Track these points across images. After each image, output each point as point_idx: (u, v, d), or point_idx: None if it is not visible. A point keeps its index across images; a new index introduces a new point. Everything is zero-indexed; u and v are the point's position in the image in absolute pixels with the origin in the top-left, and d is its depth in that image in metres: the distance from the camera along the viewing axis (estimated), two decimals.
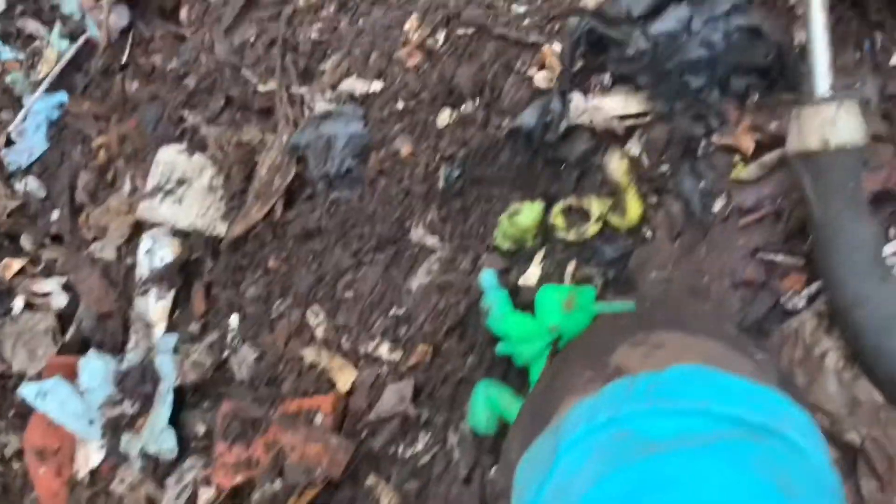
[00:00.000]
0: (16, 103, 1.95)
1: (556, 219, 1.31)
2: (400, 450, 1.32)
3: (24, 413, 1.67)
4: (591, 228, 1.30)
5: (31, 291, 1.79)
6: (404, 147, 1.40)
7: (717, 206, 1.27)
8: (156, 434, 1.48)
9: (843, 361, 1.16)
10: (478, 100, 1.33)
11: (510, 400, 1.19)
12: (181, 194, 1.60)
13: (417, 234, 1.40)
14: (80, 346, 1.69)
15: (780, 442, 0.64)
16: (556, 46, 1.25)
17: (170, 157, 1.64)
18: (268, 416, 1.37)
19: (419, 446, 1.31)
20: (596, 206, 1.29)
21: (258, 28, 1.67)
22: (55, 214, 1.86)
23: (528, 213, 1.30)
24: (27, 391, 1.58)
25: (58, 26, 1.96)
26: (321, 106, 1.50)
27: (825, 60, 1.11)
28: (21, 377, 1.70)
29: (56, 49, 1.93)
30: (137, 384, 1.55)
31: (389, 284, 1.40)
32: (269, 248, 1.52)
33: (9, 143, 1.92)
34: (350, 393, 1.37)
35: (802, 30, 1.20)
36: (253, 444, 1.35)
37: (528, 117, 1.26)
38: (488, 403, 1.21)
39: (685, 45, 1.19)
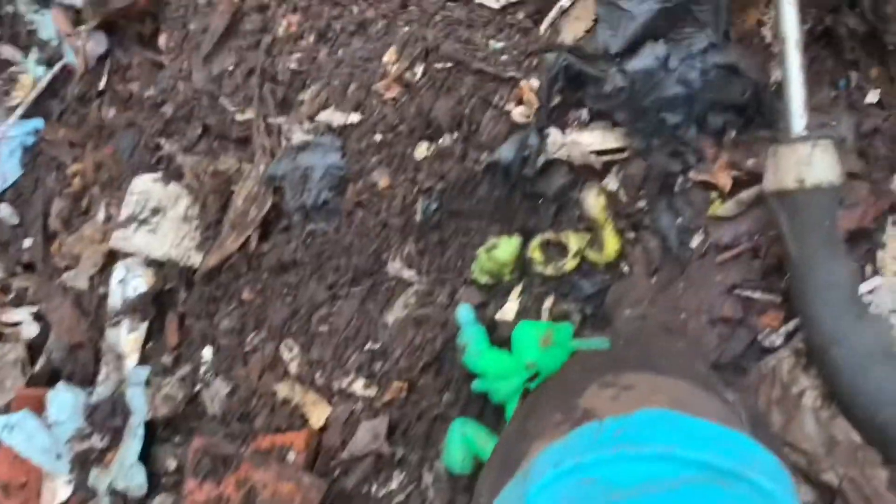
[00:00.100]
0: None
1: (534, 253, 1.30)
2: (374, 489, 1.30)
3: None
4: (569, 263, 1.29)
5: (0, 321, 1.75)
6: (382, 179, 1.39)
7: (695, 242, 1.27)
8: (125, 469, 1.45)
9: (820, 400, 1.15)
10: (456, 133, 1.32)
11: (486, 439, 1.18)
12: (156, 224, 1.58)
13: (394, 267, 1.39)
14: (50, 378, 1.66)
15: (748, 487, 0.63)
16: (534, 82, 1.25)
17: (145, 186, 1.62)
18: (240, 452, 1.34)
19: (393, 485, 1.29)
20: (573, 240, 1.28)
21: (237, 57, 1.66)
22: (27, 242, 1.83)
23: (505, 248, 1.30)
24: None
25: (34, 52, 1.94)
26: (299, 136, 1.48)
27: (801, 100, 1.11)
28: None
29: (32, 75, 1.91)
30: (107, 417, 1.52)
31: (365, 318, 1.38)
32: (243, 279, 1.50)
33: None
34: (323, 429, 1.35)
35: (779, 68, 1.21)
36: (224, 482, 1.32)
37: (506, 151, 1.26)
38: (464, 442, 1.20)
39: (662, 82, 1.20)
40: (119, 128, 1.79)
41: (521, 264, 1.33)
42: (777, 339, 1.21)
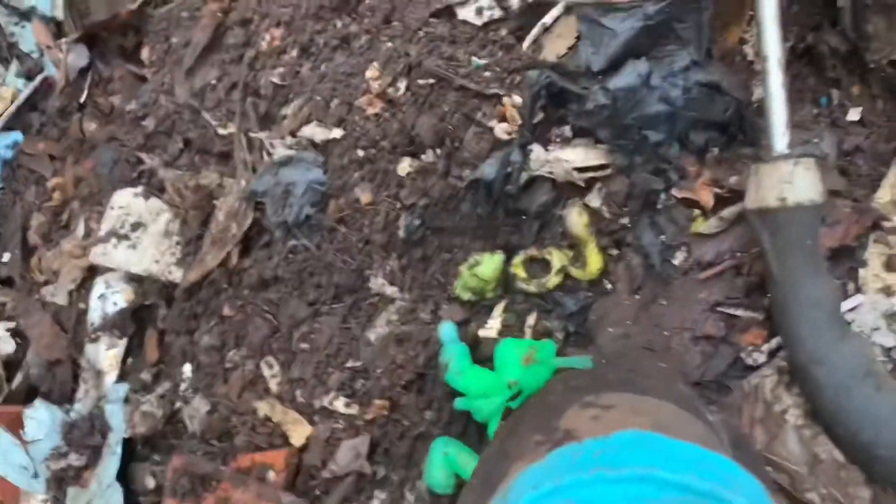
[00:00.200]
0: None
1: (517, 270, 1.30)
2: None
3: None
4: (552, 280, 1.29)
5: None
6: (364, 195, 1.38)
7: (678, 259, 1.27)
8: (103, 489, 1.43)
9: (803, 419, 1.15)
10: (438, 150, 1.31)
11: (468, 458, 1.17)
12: (136, 239, 1.56)
13: (377, 283, 1.38)
14: (27, 395, 1.63)
15: None
16: (517, 98, 1.24)
17: (125, 201, 1.60)
18: (219, 471, 1.32)
19: None
20: (557, 257, 1.28)
21: (219, 71, 1.65)
22: (6, 256, 1.80)
23: (488, 264, 1.29)
24: None
25: (14, 64, 1.92)
26: (281, 151, 1.48)
27: (782, 118, 1.11)
28: None
29: (12, 87, 1.90)
30: (85, 435, 1.50)
31: (347, 336, 1.37)
32: (224, 296, 1.49)
33: None
34: (304, 448, 1.34)
35: (761, 86, 1.21)
36: (203, 501, 1.30)
37: (489, 168, 1.25)
38: (446, 461, 1.18)
39: (644, 99, 1.19)
40: (100, 141, 1.77)
41: (504, 281, 1.32)
42: (760, 357, 1.21)
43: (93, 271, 1.66)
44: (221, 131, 1.61)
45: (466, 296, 1.33)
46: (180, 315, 1.52)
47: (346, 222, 1.40)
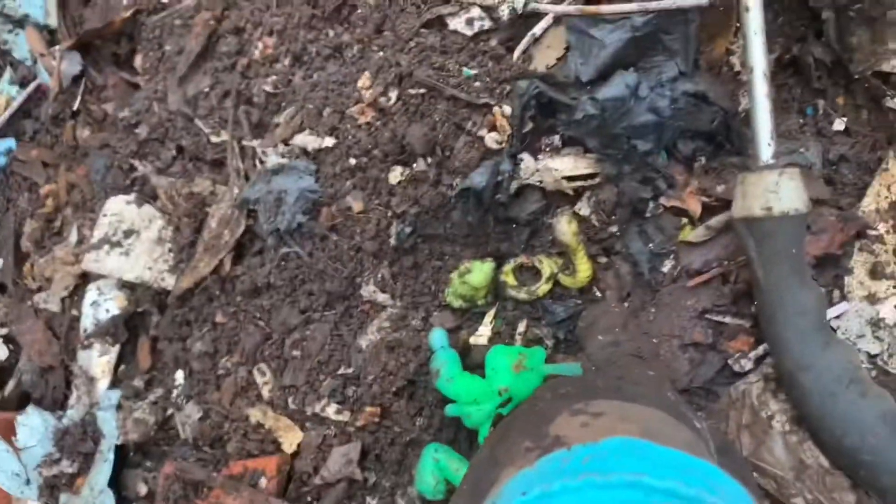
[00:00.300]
0: None
1: (507, 277, 1.31)
2: None
3: None
4: (542, 288, 1.30)
5: None
6: (356, 203, 1.39)
7: (666, 267, 1.28)
8: (95, 495, 1.43)
9: (789, 425, 1.17)
10: (429, 159, 1.33)
11: (458, 464, 1.18)
12: (129, 246, 1.57)
13: (368, 291, 1.39)
14: (20, 401, 1.64)
15: None
16: (507, 108, 1.26)
17: (118, 208, 1.61)
18: (211, 477, 1.33)
19: None
20: (546, 265, 1.29)
21: (212, 79, 1.66)
22: None
23: (479, 272, 1.30)
24: None
25: (8, 72, 1.93)
26: (273, 159, 1.48)
27: (768, 128, 1.13)
28: None
29: (5, 95, 1.90)
30: (78, 442, 1.50)
31: (338, 343, 1.38)
32: (216, 303, 1.49)
33: None
34: (296, 455, 1.34)
35: (747, 96, 1.23)
36: None
37: (479, 177, 1.26)
38: (436, 468, 1.19)
39: (633, 109, 1.21)
40: (93, 149, 1.77)
41: (495, 289, 1.34)
42: (747, 364, 1.23)
43: (85, 278, 1.66)
44: (214, 139, 1.62)
45: (457, 303, 1.34)
46: (173, 322, 1.52)
47: (338, 230, 1.41)
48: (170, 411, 1.48)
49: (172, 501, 1.32)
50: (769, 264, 1.12)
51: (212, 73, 1.67)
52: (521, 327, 1.31)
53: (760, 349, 1.22)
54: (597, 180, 1.27)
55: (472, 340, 1.32)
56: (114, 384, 1.55)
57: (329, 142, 1.42)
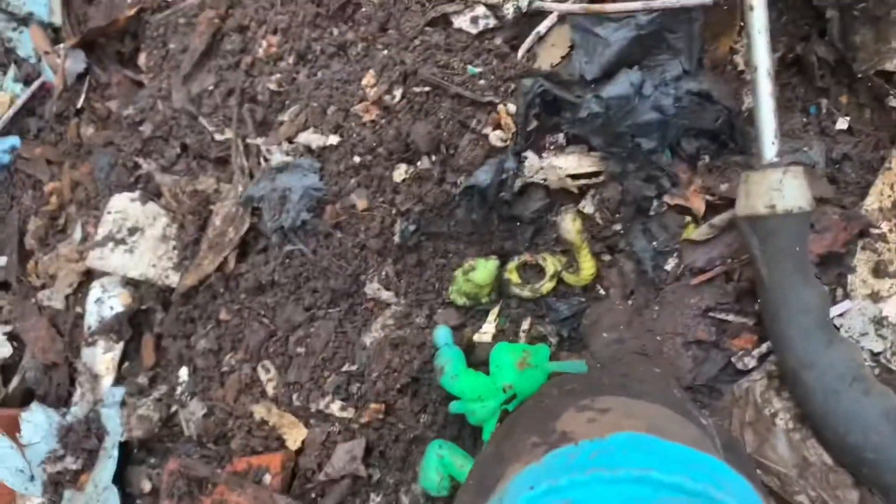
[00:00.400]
0: None
1: (511, 275, 1.31)
2: None
3: None
4: (546, 285, 1.30)
5: None
6: (360, 201, 1.40)
7: (669, 265, 1.28)
8: (99, 491, 1.43)
9: (792, 422, 1.17)
10: (434, 156, 1.33)
11: (463, 461, 1.18)
12: (133, 243, 1.57)
13: (372, 288, 1.39)
14: (24, 398, 1.64)
15: None
16: (511, 106, 1.26)
17: (122, 205, 1.61)
18: (215, 474, 1.33)
19: None
20: (550, 263, 1.29)
21: (216, 77, 1.67)
22: (2, 260, 1.81)
23: (483, 270, 1.31)
24: None
25: (12, 70, 1.93)
26: (277, 157, 1.49)
27: (772, 127, 1.13)
28: None
29: (10, 92, 1.90)
30: (82, 439, 1.50)
31: (342, 340, 1.38)
32: (221, 300, 1.50)
33: None
34: (300, 451, 1.34)
35: (751, 95, 1.23)
36: None
37: (483, 175, 1.27)
38: (440, 464, 1.20)
39: (637, 108, 1.21)
40: (97, 146, 1.78)
41: (499, 286, 1.34)
42: (750, 362, 1.23)
43: (89, 275, 1.67)
44: (218, 137, 1.62)
45: (461, 301, 1.34)
46: (177, 319, 1.53)
47: (343, 228, 1.41)
48: (174, 408, 1.48)
49: (177, 498, 1.32)
50: (773, 262, 1.13)
51: (216, 72, 1.67)
52: (525, 325, 1.31)
53: (764, 347, 1.23)
54: (601, 178, 1.27)
55: (475, 338, 1.33)
56: (118, 381, 1.55)
57: (333, 140, 1.43)
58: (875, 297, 1.21)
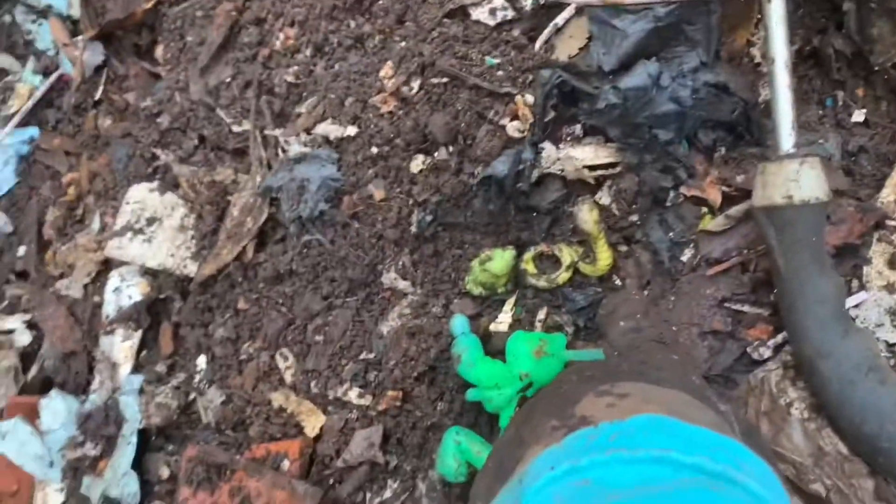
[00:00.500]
0: None
1: (528, 265, 1.32)
2: (368, 497, 1.31)
3: None
4: (562, 276, 1.31)
5: None
6: (377, 192, 1.41)
7: (686, 256, 1.29)
8: (118, 477, 1.45)
9: (808, 412, 1.18)
10: (451, 147, 1.34)
11: (479, 447, 1.19)
12: (151, 233, 1.59)
13: (389, 278, 1.40)
14: (43, 386, 1.66)
15: (741, 491, 0.64)
16: (529, 97, 1.27)
17: (141, 196, 1.63)
18: (234, 460, 1.34)
19: (387, 494, 1.30)
20: (567, 253, 1.30)
21: (234, 69, 1.68)
22: (21, 250, 1.83)
23: (499, 260, 1.32)
24: None
25: (31, 62, 1.95)
26: (295, 148, 1.50)
27: (789, 118, 1.14)
28: None
29: (29, 84, 1.92)
30: (100, 426, 1.52)
31: (360, 329, 1.39)
32: (239, 289, 1.51)
33: None
34: (318, 438, 1.36)
35: (767, 87, 1.24)
36: (218, 490, 1.32)
37: (501, 165, 1.28)
38: (457, 451, 1.21)
39: (654, 99, 1.22)
40: (114, 138, 1.79)
41: (515, 276, 1.35)
42: (766, 352, 1.24)
43: (107, 265, 1.68)
44: (236, 128, 1.64)
45: (477, 291, 1.36)
46: (195, 308, 1.54)
47: (360, 218, 1.42)
48: (192, 396, 1.49)
49: (196, 483, 1.33)
50: (789, 253, 1.13)
51: (233, 64, 1.69)
52: (542, 314, 1.32)
53: (779, 337, 1.23)
54: (618, 169, 1.28)
55: (492, 327, 1.34)
56: (136, 369, 1.57)
57: (351, 131, 1.44)
58: (890, 288, 1.21)
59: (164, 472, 1.46)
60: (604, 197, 1.30)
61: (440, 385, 1.32)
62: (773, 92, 1.14)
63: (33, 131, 1.89)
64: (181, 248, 1.58)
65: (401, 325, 1.37)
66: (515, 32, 1.35)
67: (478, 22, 1.37)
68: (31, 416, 1.57)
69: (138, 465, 1.48)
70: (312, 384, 1.39)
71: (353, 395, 1.36)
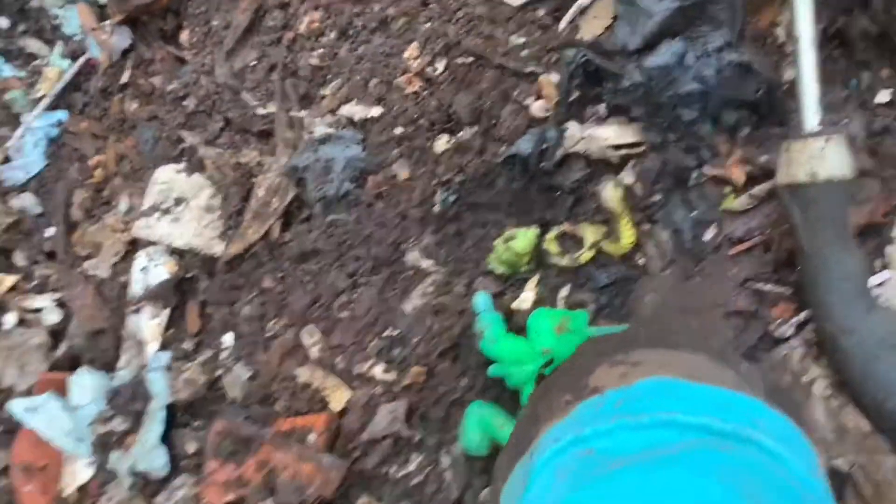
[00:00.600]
0: (14, 121, 1.96)
1: (550, 245, 1.33)
2: (392, 470, 1.33)
3: (12, 430, 1.65)
4: (585, 255, 1.32)
5: (23, 307, 1.78)
6: (402, 172, 1.42)
7: (708, 235, 1.30)
8: (147, 450, 1.47)
9: (830, 389, 1.18)
10: (475, 127, 1.35)
11: (502, 421, 1.21)
12: (178, 213, 1.61)
13: (413, 257, 1.42)
14: (72, 363, 1.68)
15: (755, 449, 0.62)
16: (553, 77, 1.28)
17: (168, 176, 1.65)
18: (260, 434, 1.37)
19: (411, 467, 1.32)
20: (590, 233, 1.31)
21: (259, 52, 1.70)
22: (50, 231, 1.85)
23: (522, 239, 1.33)
24: (16, 406, 1.57)
25: (59, 46, 1.98)
26: (320, 130, 1.52)
27: (814, 96, 1.14)
28: (10, 392, 1.69)
29: (57, 68, 1.95)
30: (128, 401, 1.54)
31: (384, 306, 1.41)
32: (265, 268, 1.53)
33: (6, 159, 1.93)
34: (343, 413, 1.38)
35: (791, 67, 1.25)
36: (245, 463, 1.35)
37: (525, 145, 1.29)
38: (480, 425, 1.22)
39: (678, 79, 1.23)
40: (141, 121, 1.82)
41: (538, 255, 1.36)
42: (788, 330, 1.24)
43: (134, 245, 1.71)
44: (261, 111, 1.66)
45: (500, 269, 1.37)
46: (221, 287, 1.57)
47: (384, 198, 1.44)
48: (218, 372, 1.52)
49: (223, 456, 1.36)
50: (813, 230, 1.14)
51: (258, 48, 1.71)
52: (564, 292, 1.33)
53: (802, 316, 1.24)
54: (641, 149, 1.29)
55: (514, 305, 1.35)
56: (163, 347, 1.59)
57: (376, 111, 1.46)
58: None
59: (192, 447, 1.48)
60: (627, 177, 1.31)
61: (464, 362, 1.34)
62: (798, 70, 1.15)
63: (62, 115, 1.92)
64: (208, 227, 1.60)
65: (424, 303, 1.38)
66: (540, 12, 1.36)
67: (502, 2, 1.38)
68: (61, 392, 1.60)
69: (166, 440, 1.50)
70: (338, 360, 1.41)
71: (377, 370, 1.38)
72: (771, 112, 1.28)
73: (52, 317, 1.75)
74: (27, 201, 1.89)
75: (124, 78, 1.89)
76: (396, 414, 1.32)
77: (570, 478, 0.64)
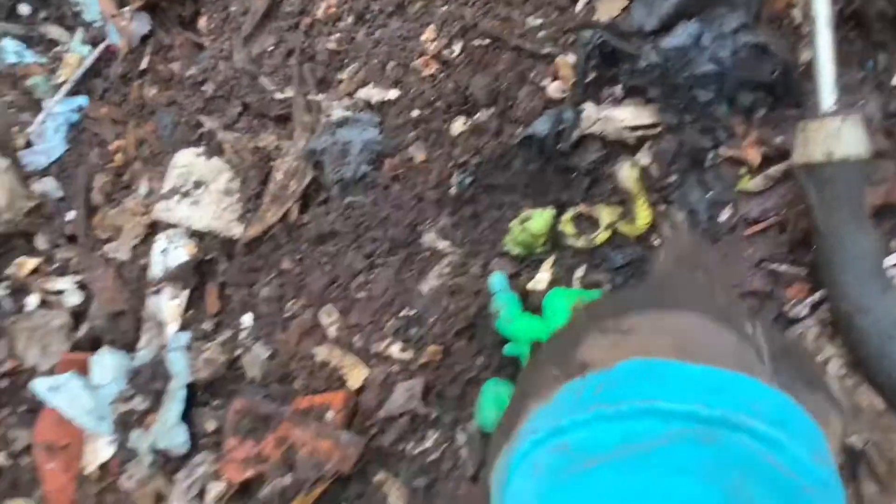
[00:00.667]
0: (36, 106, 1.99)
1: (566, 226, 1.34)
2: (409, 447, 1.34)
3: (35, 409, 1.69)
4: (601, 236, 1.33)
5: (44, 289, 1.81)
6: (418, 154, 1.44)
7: (724, 216, 1.30)
8: (167, 428, 1.50)
9: (845, 369, 1.19)
10: (492, 109, 1.36)
11: None
12: (198, 196, 1.63)
13: (429, 238, 1.43)
14: (93, 344, 1.71)
15: (746, 436, 0.56)
16: (570, 58, 1.29)
17: (187, 160, 1.67)
18: (279, 412, 1.39)
19: (428, 444, 1.34)
20: (605, 213, 1.32)
21: (276, 38, 1.72)
22: (71, 215, 1.88)
23: (538, 220, 1.34)
24: (39, 385, 1.60)
25: (79, 32, 2.00)
26: (338, 113, 1.53)
27: (830, 76, 1.15)
28: (33, 372, 1.73)
29: (77, 54, 1.97)
30: (149, 381, 1.57)
31: (401, 286, 1.43)
32: (283, 250, 1.55)
33: (28, 144, 1.96)
34: (361, 391, 1.39)
35: (807, 49, 1.24)
36: (264, 440, 1.37)
37: (541, 126, 1.30)
38: (496, 402, 1.23)
39: (695, 60, 1.23)
40: (160, 106, 1.84)
41: (554, 236, 1.37)
42: (803, 310, 1.25)
43: (154, 228, 1.74)
44: (278, 96, 1.67)
45: (516, 250, 1.38)
46: (240, 269, 1.59)
47: (401, 180, 1.46)
48: (238, 352, 1.54)
49: (242, 434, 1.38)
50: (829, 209, 1.14)
51: (276, 33, 1.73)
52: (580, 272, 1.34)
53: (816, 296, 1.24)
54: (658, 130, 1.30)
55: (530, 286, 1.36)
56: (182, 328, 1.62)
57: (393, 94, 1.47)
58: None
59: (211, 425, 1.50)
60: (643, 158, 1.31)
61: (479, 341, 1.35)
62: (814, 49, 1.15)
63: (82, 100, 1.94)
64: (227, 210, 1.62)
65: (440, 283, 1.40)
66: None
67: None
68: (82, 371, 1.63)
69: (186, 418, 1.53)
70: (355, 339, 1.43)
71: (394, 349, 1.39)
72: (787, 93, 1.28)
73: (74, 298, 1.78)
74: (48, 185, 1.92)
75: (143, 64, 1.91)
76: (413, 392, 1.34)
77: (544, 476, 0.59)
